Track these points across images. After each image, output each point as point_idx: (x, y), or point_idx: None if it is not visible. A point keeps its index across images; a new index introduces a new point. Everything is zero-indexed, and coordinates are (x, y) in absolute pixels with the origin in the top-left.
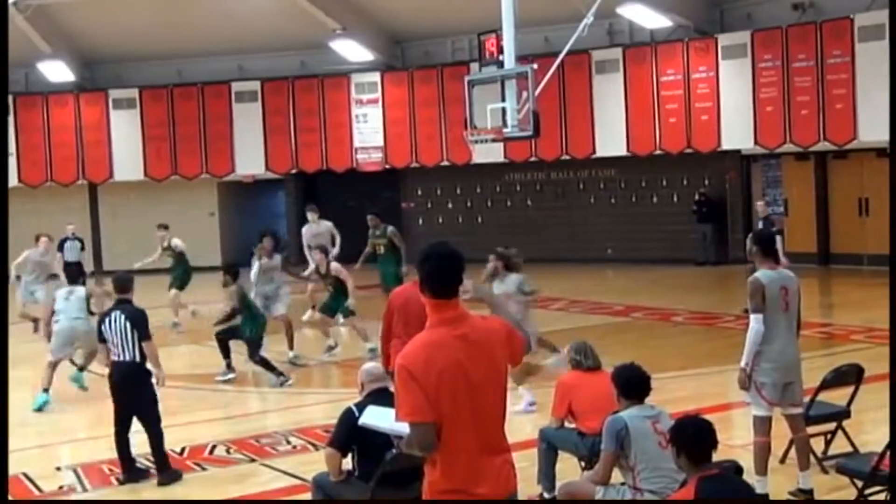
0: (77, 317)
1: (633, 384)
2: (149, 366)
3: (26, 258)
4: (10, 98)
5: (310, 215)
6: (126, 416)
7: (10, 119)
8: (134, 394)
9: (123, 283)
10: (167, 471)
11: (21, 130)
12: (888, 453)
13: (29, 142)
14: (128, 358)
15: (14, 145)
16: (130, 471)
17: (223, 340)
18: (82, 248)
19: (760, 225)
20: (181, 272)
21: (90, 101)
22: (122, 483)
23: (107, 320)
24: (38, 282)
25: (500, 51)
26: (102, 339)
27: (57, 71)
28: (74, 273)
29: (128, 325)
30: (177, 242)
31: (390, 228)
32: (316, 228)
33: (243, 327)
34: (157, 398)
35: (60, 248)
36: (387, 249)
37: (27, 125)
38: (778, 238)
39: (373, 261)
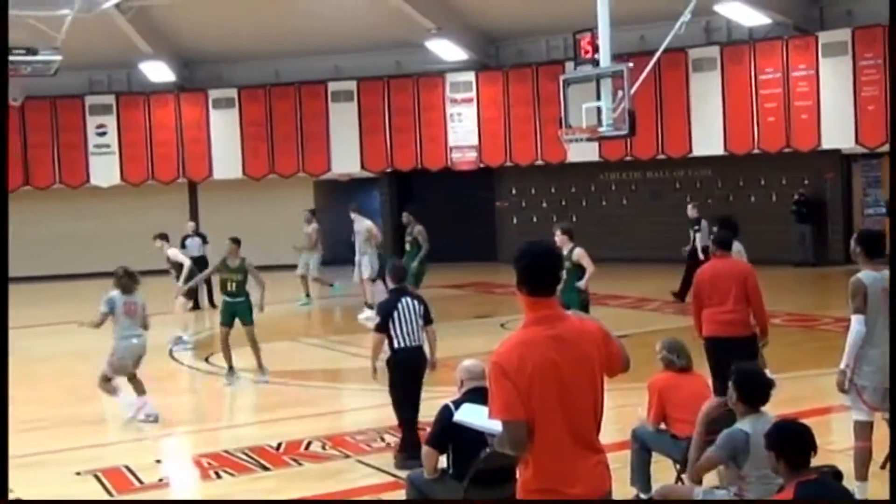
0: None
1: (757, 392)
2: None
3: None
4: (114, 98)
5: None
6: (418, 400)
7: (113, 118)
8: (421, 377)
9: (400, 272)
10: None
11: (123, 130)
12: None
13: (131, 141)
14: (418, 343)
15: (116, 144)
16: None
17: None
18: (205, 243)
19: None
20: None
21: (190, 101)
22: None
23: (399, 307)
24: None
25: (596, 49)
26: (384, 328)
27: (158, 71)
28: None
29: (422, 309)
30: (174, 252)
31: (417, 228)
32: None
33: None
34: None
35: (182, 244)
36: (412, 246)
37: (129, 124)
38: None
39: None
